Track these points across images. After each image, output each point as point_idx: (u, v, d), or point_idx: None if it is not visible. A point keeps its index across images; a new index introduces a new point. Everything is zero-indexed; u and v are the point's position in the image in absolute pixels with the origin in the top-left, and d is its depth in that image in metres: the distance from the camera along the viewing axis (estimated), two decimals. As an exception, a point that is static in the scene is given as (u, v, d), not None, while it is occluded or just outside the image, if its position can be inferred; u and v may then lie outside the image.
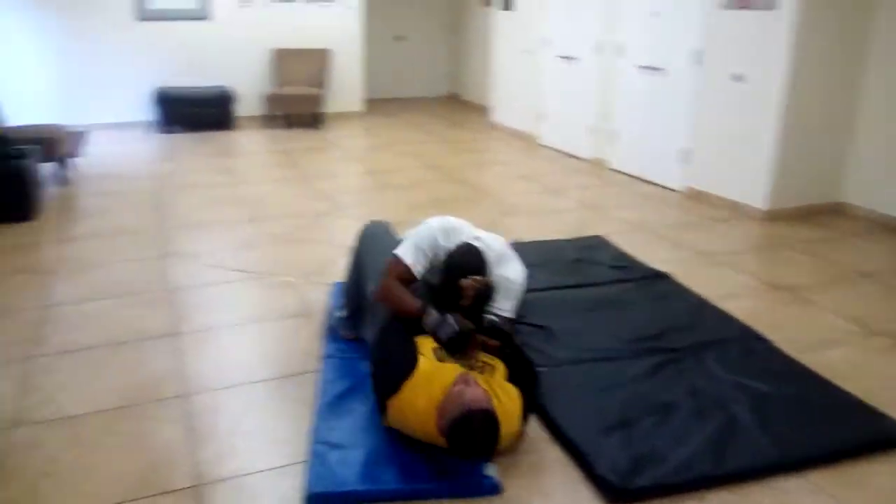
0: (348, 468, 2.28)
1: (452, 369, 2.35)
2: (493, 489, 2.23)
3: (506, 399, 2.34)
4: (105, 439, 2.47)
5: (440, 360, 2.41)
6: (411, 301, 2.65)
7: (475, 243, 2.81)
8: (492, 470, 2.28)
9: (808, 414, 2.62)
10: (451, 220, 2.97)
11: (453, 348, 2.46)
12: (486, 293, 2.66)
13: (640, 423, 2.54)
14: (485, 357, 2.52)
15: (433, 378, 2.31)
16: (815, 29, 4.81)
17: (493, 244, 2.92)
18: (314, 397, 2.71)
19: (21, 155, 5.07)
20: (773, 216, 5.13)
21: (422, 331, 2.56)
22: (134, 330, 3.30)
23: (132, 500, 2.17)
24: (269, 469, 2.33)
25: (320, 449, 2.36)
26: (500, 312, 2.74)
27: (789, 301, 3.76)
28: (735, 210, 5.34)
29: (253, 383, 2.86)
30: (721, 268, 4.21)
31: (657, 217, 5.24)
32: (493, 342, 2.56)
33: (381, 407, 2.40)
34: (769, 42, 4.93)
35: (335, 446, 2.38)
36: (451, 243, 2.82)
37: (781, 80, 4.86)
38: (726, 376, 2.86)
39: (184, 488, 2.23)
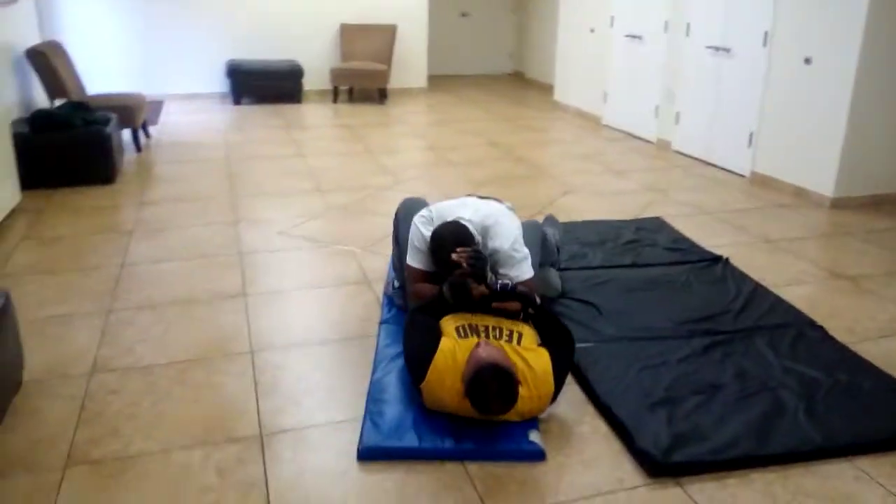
0: (400, 426, 2.40)
1: (473, 342, 2.44)
2: (537, 455, 2.32)
3: (536, 362, 2.40)
4: (178, 388, 2.66)
5: (463, 336, 2.49)
6: (431, 290, 2.78)
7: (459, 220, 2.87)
8: (536, 437, 2.37)
9: (857, 402, 2.61)
10: (431, 208, 3.01)
11: (458, 300, 2.58)
12: (479, 260, 2.69)
13: (684, 401, 2.58)
14: (510, 324, 2.59)
15: (456, 353, 2.40)
16: (887, 11, 4.64)
17: (477, 218, 2.89)
18: (371, 360, 2.85)
19: (102, 121, 5.35)
20: (840, 204, 5.01)
21: (452, 311, 2.65)
22: (205, 290, 3.50)
23: (201, 444, 2.34)
24: (328, 423, 2.48)
25: (375, 407, 2.50)
26: (506, 281, 2.73)
27: (850, 290, 3.70)
28: (800, 196, 5.24)
29: (314, 344, 3.02)
30: (782, 254, 4.16)
31: (720, 201, 5.19)
32: (512, 305, 2.63)
33: (418, 392, 2.50)
34: (840, 24, 4.79)
35: (388, 406, 2.51)
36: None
37: (852, 64, 4.72)
38: (776, 361, 2.87)
39: (248, 437, 2.39)
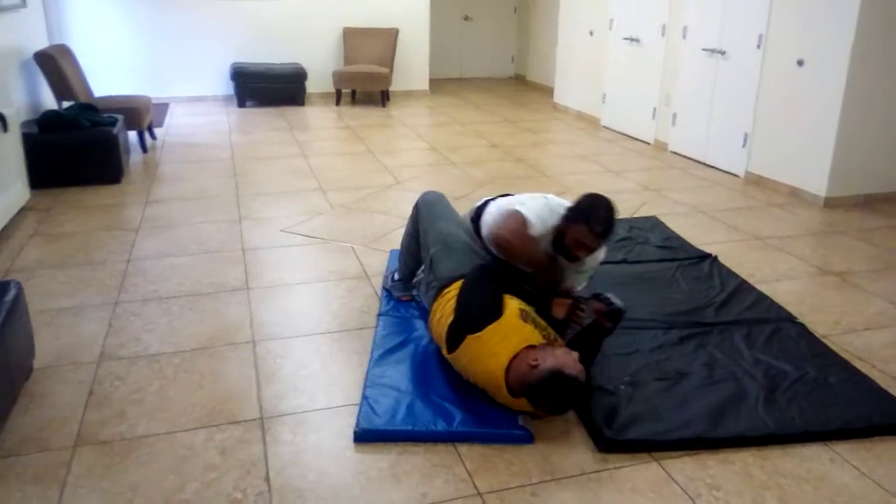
0: (395, 411, 2.51)
1: (532, 331, 2.54)
2: (526, 439, 2.42)
3: None
4: (183, 375, 2.77)
5: (523, 320, 2.58)
6: (535, 252, 2.84)
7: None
8: (525, 421, 2.46)
9: (819, 393, 2.68)
10: (548, 197, 3.04)
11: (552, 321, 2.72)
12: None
13: (647, 385, 2.70)
14: (554, 334, 2.67)
15: (515, 332, 2.50)
16: (878, 14, 4.74)
17: None
18: (369, 349, 2.95)
19: (109, 123, 5.48)
20: (833, 203, 5.11)
21: (509, 290, 2.73)
22: (210, 283, 3.62)
23: (205, 427, 2.45)
24: (327, 408, 2.58)
25: (371, 393, 2.60)
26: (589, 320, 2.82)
27: (837, 285, 3.79)
28: (794, 196, 5.34)
29: (315, 335, 3.13)
30: (773, 251, 4.26)
31: (715, 200, 5.28)
32: (558, 312, 2.78)
33: (455, 341, 2.55)
34: (832, 27, 4.89)
35: (384, 392, 2.62)
36: (552, 220, 2.90)
37: (844, 65, 4.82)
38: (748, 353, 2.96)
39: (250, 420, 2.50)
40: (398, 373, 2.76)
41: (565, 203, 2.94)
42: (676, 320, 3.24)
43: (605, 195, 2.81)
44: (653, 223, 4.63)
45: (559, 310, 2.81)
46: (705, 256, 4.03)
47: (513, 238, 2.90)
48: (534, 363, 2.35)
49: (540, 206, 2.93)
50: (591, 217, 2.71)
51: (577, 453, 2.37)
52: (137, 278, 3.67)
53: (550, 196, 3.04)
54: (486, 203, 3.19)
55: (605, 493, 2.19)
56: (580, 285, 3.06)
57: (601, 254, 2.98)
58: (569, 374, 2.31)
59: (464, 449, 2.37)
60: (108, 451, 2.31)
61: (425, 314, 3.21)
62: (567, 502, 2.15)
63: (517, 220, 2.91)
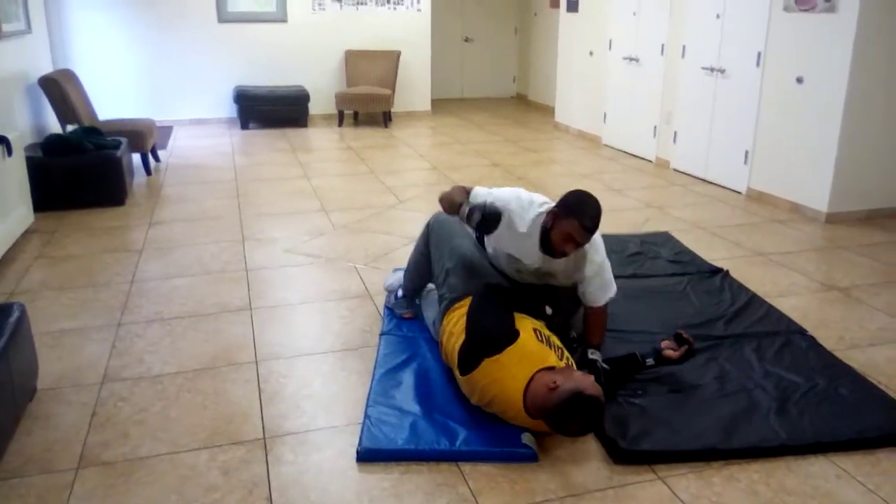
0: (397, 430, 2.50)
1: (549, 352, 2.55)
2: (530, 458, 2.40)
3: None
4: (186, 396, 2.77)
5: (539, 341, 2.59)
6: (458, 195, 2.88)
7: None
8: (529, 439, 2.45)
9: (830, 404, 2.68)
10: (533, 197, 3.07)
11: (485, 229, 2.74)
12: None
13: (660, 397, 2.70)
14: (566, 352, 2.69)
15: (533, 354, 2.50)
16: (876, 31, 4.78)
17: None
18: (371, 368, 2.95)
19: (113, 146, 5.52)
20: (834, 219, 5.11)
21: (519, 309, 2.76)
22: (213, 304, 3.62)
23: (208, 447, 2.45)
24: (329, 427, 2.58)
25: (374, 412, 2.59)
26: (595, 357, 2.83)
27: (840, 300, 3.79)
28: (796, 212, 5.34)
29: (317, 354, 3.13)
30: (775, 267, 4.26)
31: (717, 217, 5.29)
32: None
33: (471, 363, 2.53)
34: (830, 44, 4.93)
35: (387, 411, 2.61)
36: (525, 214, 2.93)
37: (843, 82, 4.85)
38: (759, 365, 2.96)
39: (253, 440, 2.49)
40: (400, 392, 2.75)
41: (536, 197, 2.98)
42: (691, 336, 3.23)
43: (590, 193, 2.87)
44: (665, 238, 4.65)
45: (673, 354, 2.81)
46: (717, 271, 4.04)
47: (442, 198, 2.96)
48: (553, 386, 2.33)
49: (515, 202, 2.96)
50: (582, 212, 2.75)
51: (582, 472, 2.36)
52: (141, 299, 3.68)
53: (520, 190, 3.06)
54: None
55: (609, 511, 2.18)
56: (596, 299, 2.98)
57: (597, 255, 2.94)
58: (589, 395, 2.29)
59: (467, 468, 2.35)
60: (111, 473, 2.31)
61: (427, 332, 3.22)
62: (571, 521, 2.13)
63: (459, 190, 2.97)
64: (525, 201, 2.95)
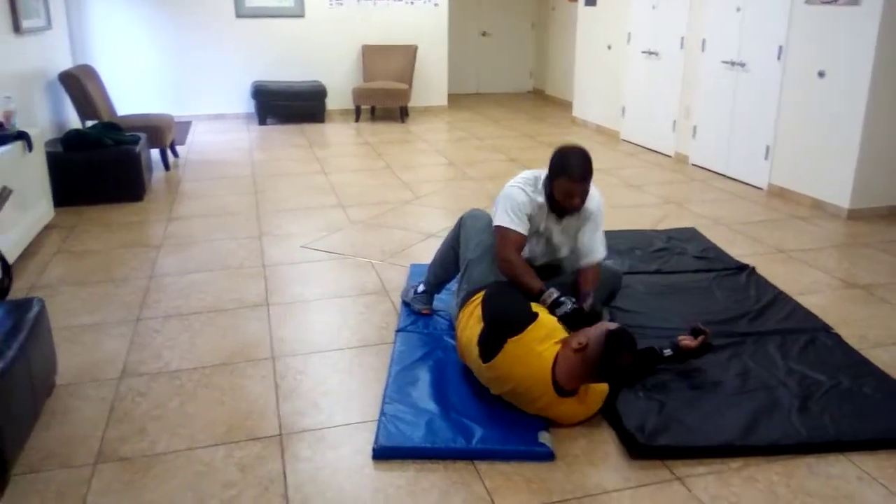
0: (413, 428, 2.49)
1: (560, 327, 2.64)
2: (547, 457, 2.38)
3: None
4: (203, 391, 2.78)
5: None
6: (532, 281, 2.89)
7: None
8: (546, 438, 2.44)
9: (853, 403, 2.65)
10: (528, 175, 3.16)
11: (568, 324, 2.72)
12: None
13: (681, 392, 2.68)
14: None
15: (552, 329, 2.58)
16: (903, 24, 4.70)
17: None
18: (387, 365, 2.94)
19: (132, 141, 5.55)
20: (856, 215, 5.03)
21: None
22: (230, 299, 3.63)
23: (225, 443, 2.45)
24: (346, 424, 2.58)
25: (390, 409, 2.59)
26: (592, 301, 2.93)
27: (863, 299, 3.73)
28: (817, 208, 5.27)
29: (334, 350, 3.13)
30: (797, 264, 4.20)
31: (737, 213, 5.23)
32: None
33: (494, 347, 2.53)
34: (853, 38, 4.84)
35: (403, 408, 2.60)
36: (539, 192, 3.07)
37: (865, 76, 4.77)
38: (782, 363, 2.92)
39: (270, 436, 2.50)
40: (417, 389, 2.74)
41: (527, 176, 3.13)
42: (710, 330, 3.20)
43: (574, 145, 3.03)
44: (691, 234, 4.61)
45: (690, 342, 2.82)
46: (743, 268, 4.00)
47: (509, 269, 2.96)
48: (580, 345, 2.41)
49: (515, 200, 3.02)
50: (568, 166, 2.93)
51: (599, 471, 2.34)
52: (159, 295, 3.70)
53: (527, 172, 3.16)
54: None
55: (626, 511, 2.16)
56: (593, 248, 3.09)
57: (594, 203, 3.10)
58: (616, 327, 2.43)
59: (483, 466, 2.34)
60: (129, 468, 2.32)
61: (445, 330, 3.21)
62: (588, 521, 2.12)
63: (500, 237, 3.01)
64: (524, 200, 3.04)
